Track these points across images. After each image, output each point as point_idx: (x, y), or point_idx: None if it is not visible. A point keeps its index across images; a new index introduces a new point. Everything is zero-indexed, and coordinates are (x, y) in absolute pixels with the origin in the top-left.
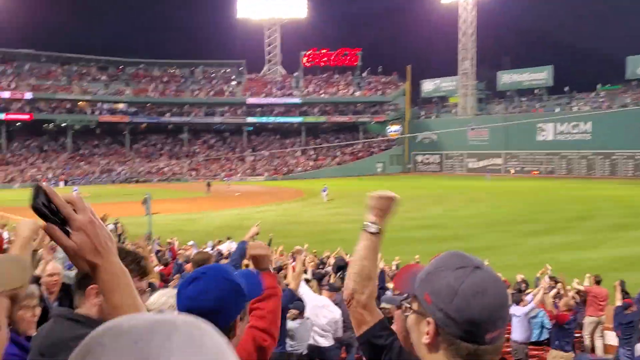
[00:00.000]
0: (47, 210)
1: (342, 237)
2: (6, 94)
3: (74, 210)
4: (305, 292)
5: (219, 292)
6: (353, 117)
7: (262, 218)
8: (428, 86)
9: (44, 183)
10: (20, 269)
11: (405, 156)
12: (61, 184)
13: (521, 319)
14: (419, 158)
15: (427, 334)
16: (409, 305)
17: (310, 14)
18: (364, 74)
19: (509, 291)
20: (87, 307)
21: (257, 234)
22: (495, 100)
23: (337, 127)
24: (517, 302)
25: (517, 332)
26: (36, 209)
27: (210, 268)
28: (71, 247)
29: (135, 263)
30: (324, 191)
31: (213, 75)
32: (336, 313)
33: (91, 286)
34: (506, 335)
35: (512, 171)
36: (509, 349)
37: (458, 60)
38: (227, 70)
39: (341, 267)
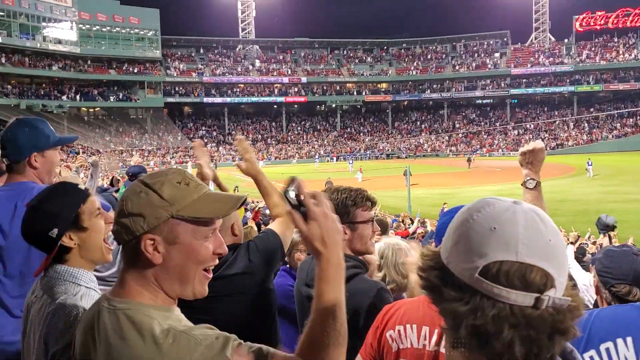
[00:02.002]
0: (296, 199)
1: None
2: (285, 80)
3: (315, 203)
4: (573, 267)
5: None
6: (637, 83)
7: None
8: None
9: (299, 177)
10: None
11: None
12: (333, 160)
13: None
14: None
15: None
16: None
17: None
18: None
19: None
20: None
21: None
22: None
23: (616, 96)
24: None
25: None
26: (286, 196)
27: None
28: (304, 232)
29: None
30: (589, 166)
31: (475, 48)
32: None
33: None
34: None
35: None
36: None
37: None
38: (490, 43)
39: (607, 225)
